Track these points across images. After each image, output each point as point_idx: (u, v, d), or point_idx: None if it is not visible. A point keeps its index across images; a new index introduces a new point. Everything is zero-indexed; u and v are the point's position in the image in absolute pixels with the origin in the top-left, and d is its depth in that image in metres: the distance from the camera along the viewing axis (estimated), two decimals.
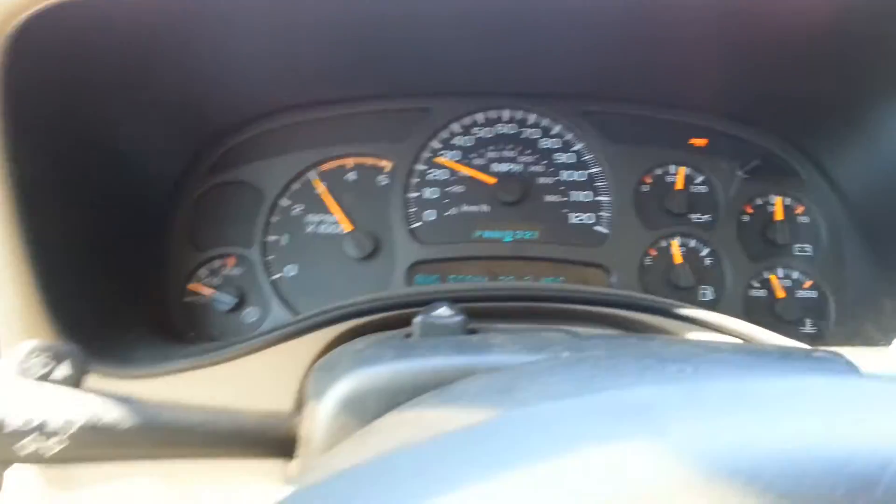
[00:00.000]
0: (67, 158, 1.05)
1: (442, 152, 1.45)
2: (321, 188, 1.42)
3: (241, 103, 1.40)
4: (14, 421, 0.61)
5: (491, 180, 1.43)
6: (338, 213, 1.40)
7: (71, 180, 1.06)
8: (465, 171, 1.44)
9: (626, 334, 0.92)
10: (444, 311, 0.88)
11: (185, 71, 1.21)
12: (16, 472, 1.00)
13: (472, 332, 0.88)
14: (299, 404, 0.93)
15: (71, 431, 0.64)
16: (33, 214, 0.94)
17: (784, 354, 0.76)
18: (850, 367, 0.77)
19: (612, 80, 1.43)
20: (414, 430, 0.55)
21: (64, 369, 0.66)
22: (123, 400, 0.69)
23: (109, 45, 1.04)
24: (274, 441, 0.75)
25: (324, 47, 1.24)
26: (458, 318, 0.85)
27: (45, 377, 0.65)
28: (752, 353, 0.75)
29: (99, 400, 0.67)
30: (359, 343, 0.83)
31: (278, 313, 1.35)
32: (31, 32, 0.87)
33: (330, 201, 1.41)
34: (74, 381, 0.67)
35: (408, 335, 0.88)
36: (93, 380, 0.93)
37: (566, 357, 0.65)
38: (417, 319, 0.86)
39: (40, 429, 0.62)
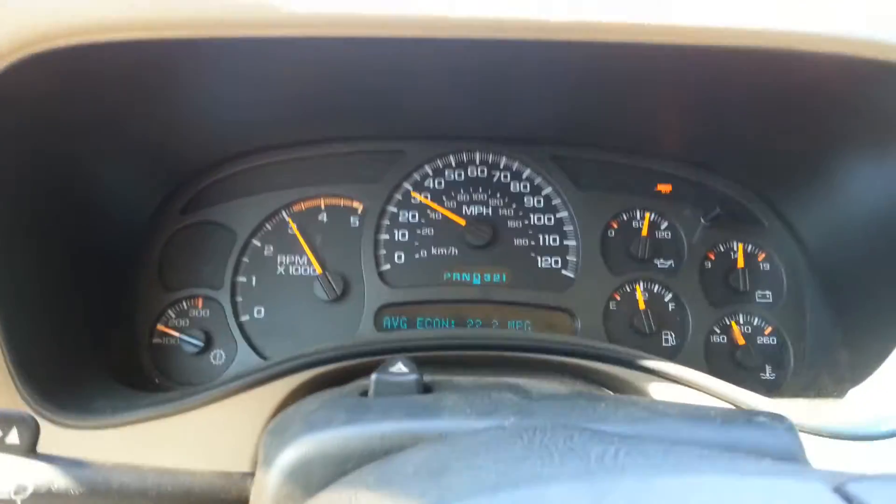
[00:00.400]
0: (34, 201, 1.06)
1: (413, 195, 1.47)
2: (296, 230, 1.43)
3: (214, 144, 1.42)
4: None
5: (461, 221, 1.45)
6: (310, 255, 1.42)
7: (37, 223, 1.07)
8: (438, 209, 1.47)
9: (576, 393, 0.94)
10: (399, 367, 0.90)
11: (158, 114, 1.22)
12: None
13: (427, 388, 0.90)
14: (255, 462, 0.94)
15: (23, 498, 0.65)
16: None
17: (726, 420, 0.78)
18: (791, 434, 0.79)
19: (581, 126, 1.46)
20: None
21: (14, 436, 0.67)
22: (75, 464, 0.71)
23: (80, 92, 1.05)
24: (226, 502, 0.77)
25: (298, 91, 1.26)
26: (413, 377, 0.87)
27: None
28: (693, 419, 0.77)
29: (50, 466, 0.68)
30: (313, 402, 0.84)
31: (244, 356, 1.37)
32: (2, 82, 0.88)
33: (303, 243, 1.42)
34: (25, 449, 0.68)
35: (364, 392, 0.90)
36: (52, 431, 0.95)
37: (505, 430, 0.67)
38: (373, 378, 0.87)
39: None
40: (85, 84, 1.04)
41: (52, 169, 1.10)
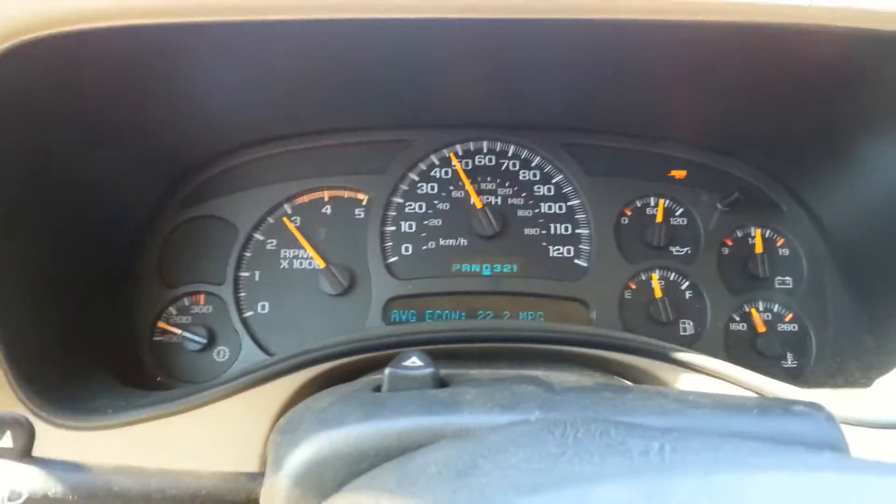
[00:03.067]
0: (31, 196, 1.01)
1: (420, 185, 1.43)
2: (291, 226, 1.39)
3: (215, 136, 1.37)
4: None
5: (480, 204, 1.41)
6: (309, 250, 1.38)
7: (33, 218, 1.02)
8: (467, 184, 1.42)
9: (601, 385, 0.89)
10: (414, 361, 0.86)
11: (156, 105, 1.18)
12: None
13: (444, 383, 0.85)
14: (263, 462, 0.90)
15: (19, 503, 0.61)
16: None
17: (763, 411, 0.74)
18: (830, 422, 0.75)
19: (592, 112, 1.41)
20: None
21: (8, 439, 0.63)
22: (74, 468, 0.66)
23: (78, 82, 1.01)
24: None
25: (300, 80, 1.22)
26: (428, 371, 0.83)
27: None
28: (729, 410, 0.73)
29: (47, 470, 0.64)
30: (323, 399, 0.80)
31: (249, 352, 1.33)
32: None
33: (300, 237, 1.38)
34: (21, 452, 0.63)
35: (377, 388, 0.85)
36: (49, 432, 0.91)
37: (533, 424, 0.62)
38: (386, 372, 0.83)
39: None
40: (82, 73, 0.99)
41: (49, 162, 1.06)
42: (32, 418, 0.66)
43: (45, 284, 1.06)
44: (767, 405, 0.77)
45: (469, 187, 1.42)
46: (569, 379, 0.93)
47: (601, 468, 0.46)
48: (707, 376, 1.04)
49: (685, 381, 1.03)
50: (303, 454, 0.67)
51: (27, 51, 0.82)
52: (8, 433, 0.63)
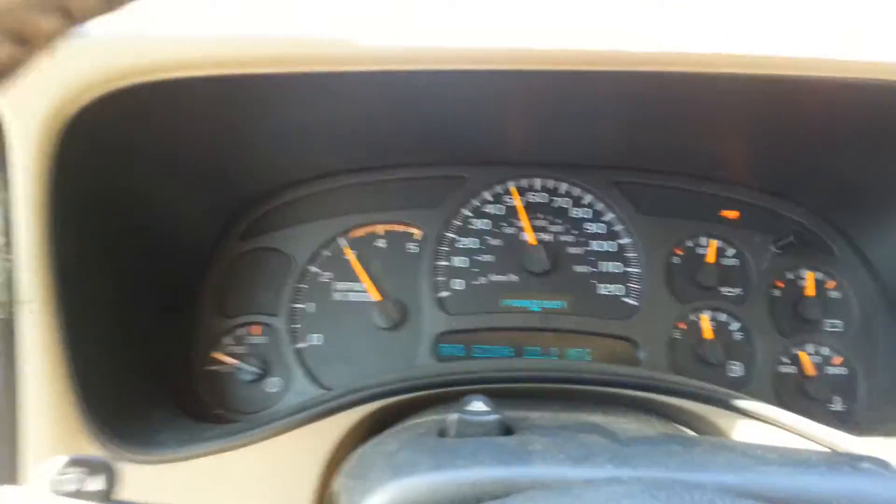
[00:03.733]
0: (103, 240, 1.05)
1: (473, 221, 1.44)
2: (351, 256, 1.41)
3: (275, 171, 1.41)
4: None
5: (534, 241, 1.42)
6: (367, 283, 1.40)
7: (105, 262, 1.06)
8: (525, 220, 1.43)
9: (664, 436, 0.90)
10: (478, 406, 0.87)
11: (224, 143, 1.22)
12: None
13: (508, 429, 0.87)
14: (323, 496, 0.92)
15: None
16: (70, 298, 0.94)
17: (831, 467, 0.74)
18: None
19: (644, 151, 1.42)
20: None
21: (96, 483, 0.65)
22: None
23: (154, 125, 1.05)
24: None
25: (363, 122, 1.25)
26: (494, 418, 0.84)
27: (77, 493, 0.64)
28: (798, 467, 0.73)
29: None
30: (391, 442, 0.81)
31: (301, 384, 1.35)
32: (80, 125, 0.88)
33: (359, 270, 1.40)
34: (105, 496, 0.65)
35: (441, 431, 0.87)
36: (125, 468, 0.93)
37: (630, 485, 0.63)
38: (453, 417, 0.84)
39: None
40: (158, 118, 1.03)
41: (120, 199, 1.10)
42: (111, 458, 0.69)
43: (115, 326, 1.10)
44: (835, 461, 0.77)
45: (526, 223, 1.43)
46: (630, 427, 0.93)
47: None
48: (760, 422, 1.04)
49: (739, 427, 1.03)
50: (378, 501, 0.68)
51: (114, 98, 0.86)
52: (100, 475, 0.65)
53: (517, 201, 1.45)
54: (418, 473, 0.71)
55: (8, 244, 0.90)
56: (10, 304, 0.91)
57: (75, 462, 0.64)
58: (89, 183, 0.97)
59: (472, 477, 0.70)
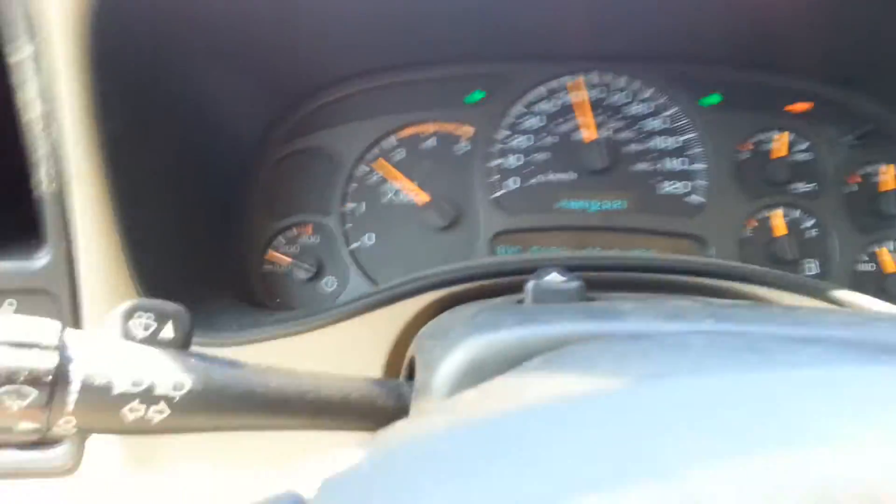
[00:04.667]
0: (153, 116, 1.00)
1: (526, 117, 1.37)
2: (387, 166, 1.36)
3: (320, 66, 1.34)
4: (121, 383, 0.56)
5: (594, 135, 1.35)
6: (410, 186, 1.34)
7: (156, 139, 1.02)
8: (588, 114, 1.36)
9: (754, 304, 0.84)
10: (555, 276, 0.82)
11: (267, 33, 1.16)
12: (95, 446, 0.97)
13: (589, 299, 0.81)
14: (396, 372, 0.88)
15: (181, 395, 0.59)
16: (119, 173, 0.90)
17: None
18: None
19: (707, 40, 1.33)
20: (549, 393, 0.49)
21: (169, 330, 0.61)
22: (232, 364, 0.65)
23: (196, 5, 1.00)
24: (382, 410, 0.70)
25: (402, 10, 1.18)
26: (576, 284, 0.79)
27: (150, 339, 0.60)
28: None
29: (207, 363, 0.62)
30: (468, 309, 0.77)
31: (357, 283, 1.31)
32: None
33: (398, 175, 1.35)
34: (180, 343, 0.62)
35: (519, 301, 0.82)
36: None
37: (728, 340, 0.57)
38: (530, 284, 0.79)
39: (148, 392, 0.57)
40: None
41: (166, 79, 1.05)
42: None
43: (168, 207, 1.06)
44: None
45: (588, 117, 1.36)
46: (719, 300, 0.88)
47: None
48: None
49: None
50: (461, 355, 0.63)
51: None
52: (172, 322, 0.61)
53: (577, 96, 1.37)
54: (502, 329, 0.66)
55: (48, 115, 0.86)
56: (58, 177, 0.87)
57: (145, 307, 0.60)
58: (129, 57, 0.92)
59: (561, 331, 0.64)
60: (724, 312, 0.68)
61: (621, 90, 1.39)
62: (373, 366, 0.91)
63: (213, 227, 1.21)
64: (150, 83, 0.99)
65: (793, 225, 1.32)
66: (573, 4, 1.21)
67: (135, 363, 0.57)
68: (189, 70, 1.07)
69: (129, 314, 0.60)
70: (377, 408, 0.69)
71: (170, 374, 0.59)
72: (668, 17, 1.25)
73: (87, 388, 0.54)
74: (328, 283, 1.31)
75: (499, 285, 0.99)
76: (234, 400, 0.62)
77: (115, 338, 0.59)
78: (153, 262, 0.94)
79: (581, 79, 1.39)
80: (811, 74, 1.37)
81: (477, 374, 0.63)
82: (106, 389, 0.55)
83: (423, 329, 0.78)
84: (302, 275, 1.29)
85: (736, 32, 1.29)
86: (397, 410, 0.70)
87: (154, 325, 0.61)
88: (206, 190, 1.18)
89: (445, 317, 0.78)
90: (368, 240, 1.33)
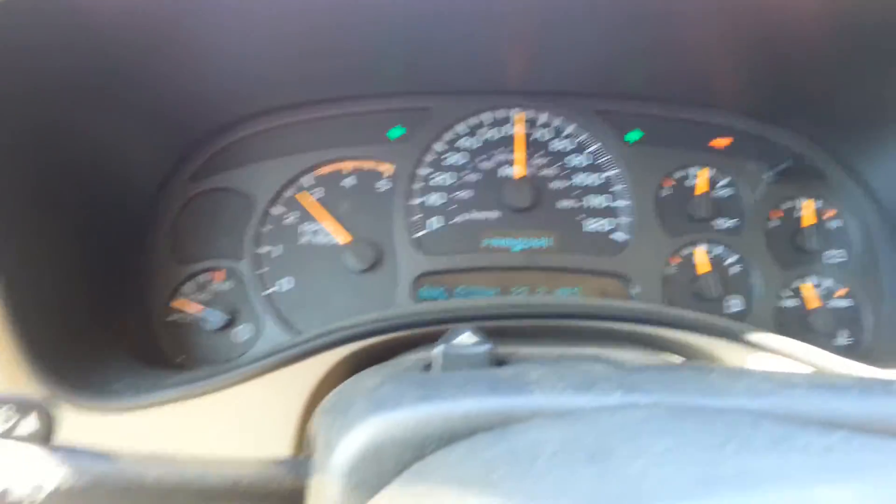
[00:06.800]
0: (37, 170, 0.93)
1: (448, 153, 1.34)
2: (308, 200, 1.31)
3: (230, 103, 1.29)
4: None
5: (523, 172, 1.33)
6: (332, 225, 1.30)
7: (40, 193, 0.94)
8: (518, 150, 1.34)
9: (670, 364, 0.82)
10: (467, 337, 0.78)
11: (167, 69, 1.10)
12: None
13: (500, 362, 0.78)
14: (301, 445, 0.83)
15: (40, 497, 0.53)
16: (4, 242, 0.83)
17: (864, 391, 0.66)
18: None
19: (628, 76, 1.33)
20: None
21: (30, 424, 0.55)
22: (102, 456, 0.59)
23: (83, 43, 0.93)
24: (278, 493, 0.65)
25: (318, 43, 1.14)
26: (484, 348, 0.75)
27: (7, 433, 0.54)
28: (828, 391, 0.65)
29: (72, 458, 0.56)
30: (371, 378, 0.72)
31: (273, 331, 1.25)
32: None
33: (321, 212, 1.30)
34: (43, 437, 0.56)
35: (426, 366, 0.78)
36: (68, 417, 0.83)
37: (654, 409, 0.54)
38: (438, 350, 0.75)
39: (4, 496, 0.52)
40: (89, 34, 0.92)
41: (56, 133, 0.98)
42: (50, 400, 0.58)
43: (56, 267, 0.98)
44: (866, 385, 0.69)
45: (522, 152, 1.34)
46: (631, 358, 0.85)
47: (788, 465, 0.38)
48: (770, 354, 0.96)
49: (744, 359, 0.95)
50: (360, 436, 0.59)
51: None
52: (34, 414, 0.55)
53: (501, 131, 1.35)
54: (403, 406, 0.62)
55: None
56: None
57: (2, 400, 0.54)
58: (10, 108, 0.85)
59: (464, 408, 0.61)
60: (633, 381, 0.65)
61: (544, 126, 1.37)
62: (285, 428, 0.86)
63: (110, 278, 1.13)
64: (33, 139, 0.92)
65: (716, 261, 1.32)
66: (495, 40, 1.19)
67: None
68: (79, 120, 1.01)
69: None
70: (271, 492, 0.64)
71: (29, 475, 0.53)
72: (589, 53, 1.23)
73: None
74: (242, 333, 1.25)
75: (417, 335, 0.95)
76: (105, 498, 0.56)
77: None
78: (39, 323, 0.87)
79: (510, 113, 1.36)
80: (732, 109, 1.38)
81: (376, 455, 0.59)
82: None
83: (324, 402, 0.73)
84: (212, 324, 1.22)
85: (657, 68, 1.28)
86: (294, 493, 0.65)
87: (15, 418, 0.55)
88: (101, 240, 1.11)
89: (348, 386, 0.73)
90: (287, 284, 1.28)
